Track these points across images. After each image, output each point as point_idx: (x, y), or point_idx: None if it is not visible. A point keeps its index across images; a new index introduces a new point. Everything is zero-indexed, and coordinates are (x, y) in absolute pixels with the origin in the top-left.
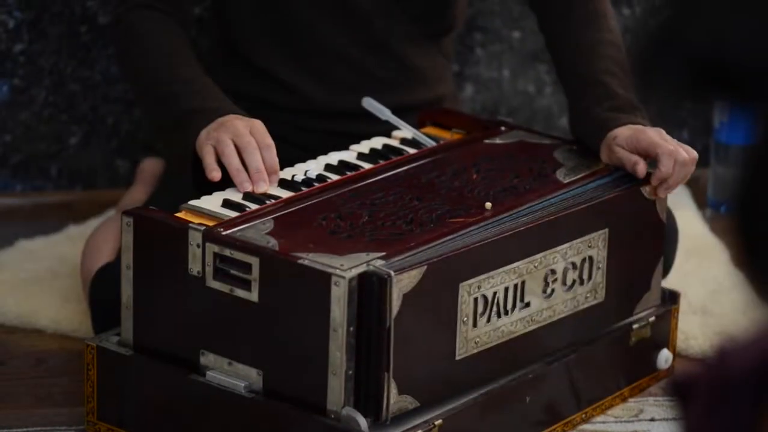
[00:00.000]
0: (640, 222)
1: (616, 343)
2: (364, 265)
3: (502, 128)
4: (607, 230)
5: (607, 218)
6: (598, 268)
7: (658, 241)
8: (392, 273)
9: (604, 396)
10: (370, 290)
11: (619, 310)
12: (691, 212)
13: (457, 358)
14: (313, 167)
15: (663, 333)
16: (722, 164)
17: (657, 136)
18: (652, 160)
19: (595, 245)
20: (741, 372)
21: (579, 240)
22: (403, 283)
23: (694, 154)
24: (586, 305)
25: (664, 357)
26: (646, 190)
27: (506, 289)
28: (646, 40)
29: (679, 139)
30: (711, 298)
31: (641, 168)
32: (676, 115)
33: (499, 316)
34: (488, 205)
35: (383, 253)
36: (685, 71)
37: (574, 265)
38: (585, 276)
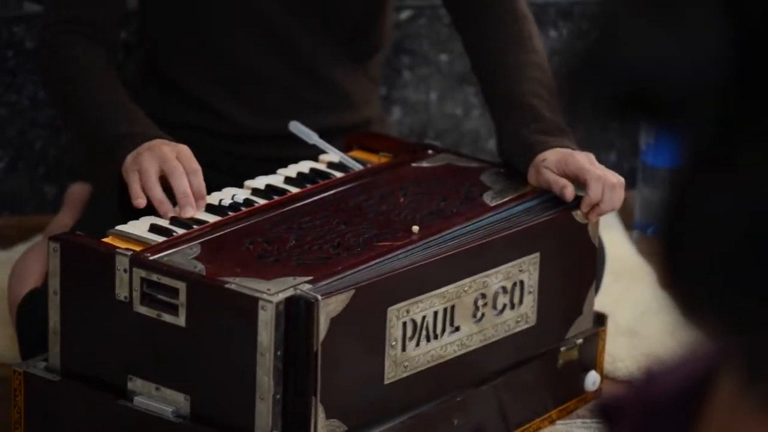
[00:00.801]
0: (572, 246)
1: (544, 366)
2: (291, 289)
3: (430, 151)
4: (538, 254)
5: (538, 242)
6: (530, 292)
7: (590, 265)
8: (319, 297)
9: (532, 418)
10: (297, 314)
11: (551, 335)
12: (619, 234)
13: (386, 382)
14: (241, 192)
15: (590, 355)
16: (649, 186)
17: (586, 161)
18: (580, 184)
19: (526, 269)
20: (668, 394)
21: (510, 264)
22: (330, 307)
23: (622, 179)
24: (517, 329)
25: (592, 379)
26: (578, 214)
27: (435, 314)
28: (570, 63)
29: (607, 161)
30: (638, 319)
31: (569, 192)
32: (604, 137)
33: (428, 340)
34: (415, 228)
35: (310, 278)
36: (609, 95)
37: (504, 289)
38: (516, 300)
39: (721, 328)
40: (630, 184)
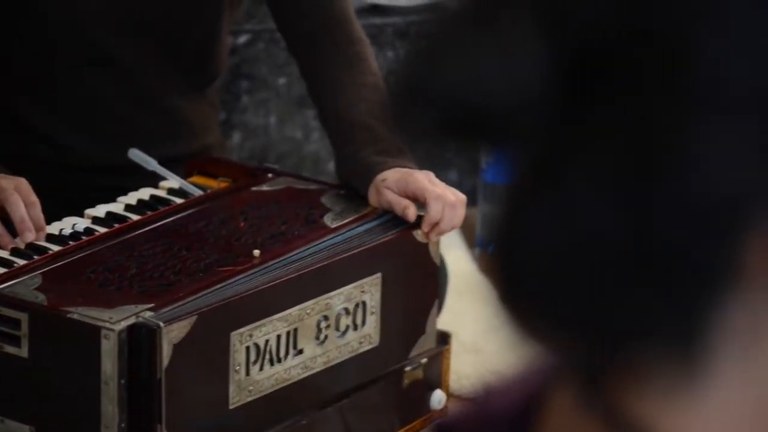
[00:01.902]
0: (413, 266)
1: (390, 386)
2: (134, 317)
3: (269, 175)
4: (380, 275)
5: (380, 263)
6: (372, 313)
7: (432, 284)
8: (161, 324)
9: None
10: (139, 342)
11: (395, 355)
12: (461, 252)
13: (231, 406)
14: (81, 221)
15: (435, 374)
16: (490, 203)
17: (425, 180)
18: (421, 204)
19: (368, 290)
20: (504, 411)
21: (351, 285)
22: (173, 334)
23: (462, 196)
24: (361, 350)
25: (438, 398)
26: (418, 234)
27: (278, 337)
28: (396, 86)
29: (447, 180)
30: (482, 336)
31: (411, 212)
32: (443, 156)
33: (272, 364)
34: (256, 252)
35: (152, 305)
36: (432, 117)
37: (347, 310)
38: (359, 321)
39: (553, 344)
40: (471, 202)
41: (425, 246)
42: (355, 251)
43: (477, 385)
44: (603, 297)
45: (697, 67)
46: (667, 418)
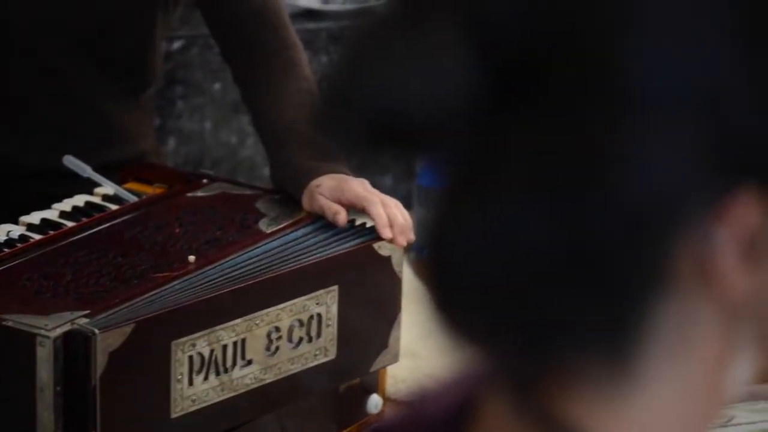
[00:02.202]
0: (374, 279)
1: (327, 391)
2: (69, 324)
3: (204, 180)
4: (337, 287)
5: (338, 275)
6: (328, 325)
7: (395, 297)
8: (96, 331)
9: None
10: (75, 349)
11: (354, 368)
12: None
13: (173, 416)
14: (16, 228)
15: (372, 378)
16: (425, 208)
17: (360, 188)
18: (358, 211)
19: (323, 302)
20: (439, 415)
21: (306, 297)
22: (108, 341)
23: (397, 203)
24: (315, 363)
25: (374, 402)
26: (380, 247)
27: (224, 347)
28: (325, 93)
29: (382, 185)
30: (419, 341)
31: (342, 218)
32: (378, 161)
33: (217, 374)
34: (191, 258)
35: (87, 311)
36: (363, 124)
37: (300, 322)
38: (313, 333)
39: (485, 348)
40: (407, 207)
41: (387, 258)
42: (311, 262)
43: (413, 390)
44: (534, 301)
45: (625, 71)
46: (599, 420)
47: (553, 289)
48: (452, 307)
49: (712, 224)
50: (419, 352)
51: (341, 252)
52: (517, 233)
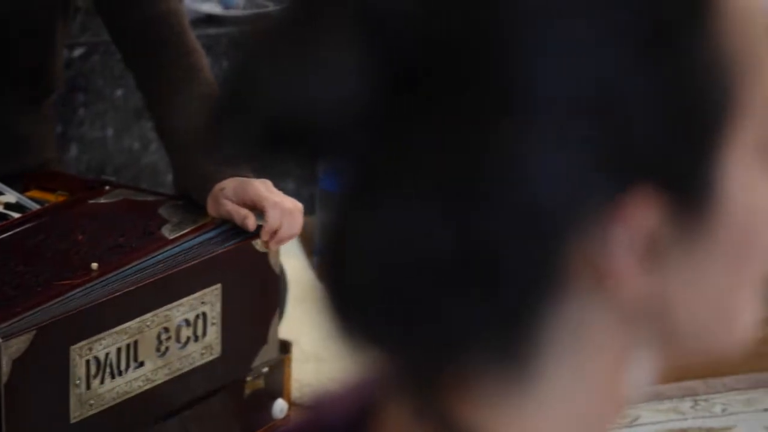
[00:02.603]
0: (253, 275)
1: (231, 396)
2: None
3: (107, 187)
4: (220, 285)
5: (220, 273)
6: (213, 323)
7: (272, 293)
8: (0, 340)
9: None
10: None
11: (238, 365)
12: (300, 260)
13: (72, 421)
14: None
15: (277, 383)
16: (327, 212)
17: (262, 189)
18: (258, 212)
19: (208, 301)
20: (341, 419)
21: (192, 297)
22: (12, 349)
23: (300, 205)
24: (202, 362)
25: (279, 407)
26: (258, 244)
27: (119, 350)
28: (219, 99)
29: (285, 189)
30: (323, 345)
31: (251, 222)
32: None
33: (113, 377)
34: (94, 265)
35: None
36: (258, 130)
37: (188, 322)
38: (200, 332)
39: (383, 353)
40: (309, 210)
41: (265, 255)
42: (194, 262)
43: (317, 394)
44: (429, 304)
45: (515, 74)
46: (497, 422)
47: (447, 292)
48: (349, 310)
49: (608, 225)
50: (324, 357)
51: (223, 251)
52: (411, 236)
